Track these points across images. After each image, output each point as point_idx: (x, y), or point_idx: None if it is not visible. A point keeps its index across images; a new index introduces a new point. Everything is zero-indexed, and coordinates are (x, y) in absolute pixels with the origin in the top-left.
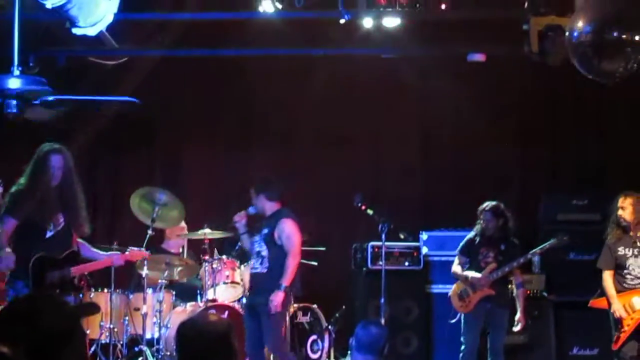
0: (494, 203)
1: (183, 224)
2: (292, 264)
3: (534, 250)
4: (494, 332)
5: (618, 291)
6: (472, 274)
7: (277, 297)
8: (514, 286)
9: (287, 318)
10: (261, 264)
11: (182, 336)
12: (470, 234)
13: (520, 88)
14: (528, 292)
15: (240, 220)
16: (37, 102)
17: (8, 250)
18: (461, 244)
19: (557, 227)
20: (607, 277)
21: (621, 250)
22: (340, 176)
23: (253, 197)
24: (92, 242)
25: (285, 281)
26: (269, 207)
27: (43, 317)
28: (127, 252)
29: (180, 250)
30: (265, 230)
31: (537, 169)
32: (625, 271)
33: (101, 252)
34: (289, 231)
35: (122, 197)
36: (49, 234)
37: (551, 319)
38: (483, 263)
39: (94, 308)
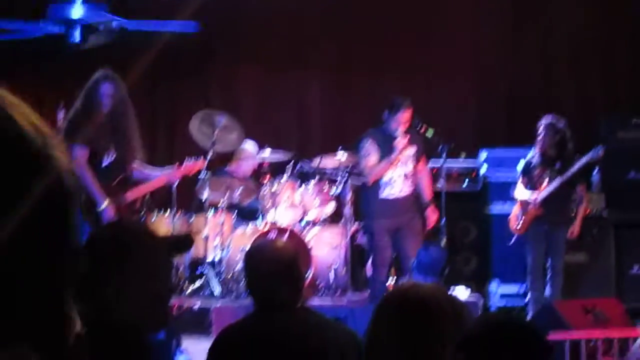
0: (550, 119)
1: (249, 147)
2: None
3: (572, 166)
4: (552, 252)
5: None
6: (526, 195)
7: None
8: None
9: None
10: (410, 184)
11: (250, 263)
12: (529, 154)
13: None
14: (588, 210)
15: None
16: (98, 29)
17: (106, 202)
18: (522, 167)
19: (618, 146)
20: None
21: None
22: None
23: (385, 117)
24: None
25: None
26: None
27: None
28: (181, 167)
29: (246, 174)
30: (413, 149)
31: (596, 87)
32: None
33: (155, 172)
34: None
35: (181, 122)
36: (104, 163)
37: (611, 238)
38: (539, 183)
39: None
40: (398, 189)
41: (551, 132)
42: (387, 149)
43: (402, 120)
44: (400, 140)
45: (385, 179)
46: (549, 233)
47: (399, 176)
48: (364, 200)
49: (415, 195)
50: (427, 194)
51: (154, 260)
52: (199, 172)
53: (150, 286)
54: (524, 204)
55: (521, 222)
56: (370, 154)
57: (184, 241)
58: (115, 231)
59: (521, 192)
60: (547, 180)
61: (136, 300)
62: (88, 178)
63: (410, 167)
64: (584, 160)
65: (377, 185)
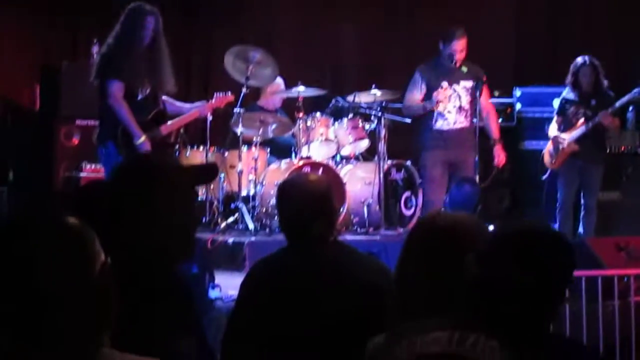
0: (585, 57)
1: (279, 80)
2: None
3: (614, 104)
4: (586, 188)
5: None
6: (561, 132)
7: (502, 153)
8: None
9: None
10: (465, 117)
11: (283, 196)
12: (564, 92)
13: None
14: (623, 148)
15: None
16: None
17: (143, 137)
18: (557, 105)
19: None
20: None
21: None
22: (434, 31)
23: (440, 48)
24: (185, 102)
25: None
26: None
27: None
28: (212, 100)
29: (276, 108)
30: (469, 82)
31: (635, 23)
32: None
33: (186, 105)
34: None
35: (215, 57)
36: (139, 97)
37: None
38: (574, 120)
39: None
40: (452, 120)
41: (587, 70)
42: (440, 80)
43: (457, 49)
44: (440, 92)
45: (438, 109)
46: (583, 170)
47: (453, 107)
48: (417, 132)
49: (473, 131)
50: (493, 130)
51: (179, 191)
52: (231, 106)
53: (176, 217)
54: (558, 141)
55: (555, 158)
56: (413, 90)
57: (209, 171)
58: (141, 163)
59: (555, 130)
60: (582, 118)
61: (162, 231)
62: (125, 112)
63: (466, 100)
64: (624, 100)
65: (430, 116)
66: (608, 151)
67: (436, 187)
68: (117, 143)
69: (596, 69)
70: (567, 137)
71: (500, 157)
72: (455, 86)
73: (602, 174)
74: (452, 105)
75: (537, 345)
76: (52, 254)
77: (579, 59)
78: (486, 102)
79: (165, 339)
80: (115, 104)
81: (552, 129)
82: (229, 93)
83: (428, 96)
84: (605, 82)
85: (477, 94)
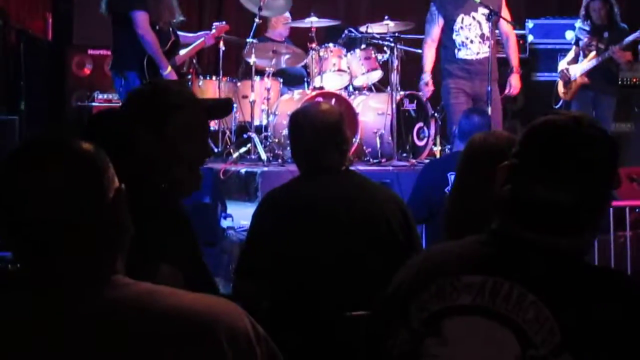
0: None
1: (287, 13)
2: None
3: (624, 39)
4: (598, 119)
5: None
6: (567, 65)
7: (517, 81)
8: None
9: None
10: (489, 46)
11: (295, 126)
12: (577, 23)
13: None
14: (635, 79)
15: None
16: None
17: (169, 69)
18: (573, 37)
19: None
20: None
21: None
22: None
23: None
24: (199, 31)
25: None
26: None
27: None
28: (212, 30)
29: (283, 38)
30: (486, 10)
31: None
32: None
33: (189, 35)
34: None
35: None
36: (157, 27)
37: None
38: (587, 51)
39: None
40: (475, 50)
41: (597, 4)
42: (455, 8)
43: None
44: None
45: (460, 39)
46: (595, 101)
47: (475, 36)
48: (442, 59)
49: (498, 60)
50: (511, 57)
51: (191, 121)
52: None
53: (186, 147)
54: (564, 74)
55: (567, 90)
56: (432, 24)
57: (223, 105)
58: (157, 89)
59: (564, 62)
60: (594, 50)
61: (171, 161)
62: (155, 43)
63: (487, 27)
64: (631, 37)
65: (453, 44)
66: (621, 83)
67: (458, 113)
68: (141, 74)
69: (608, 2)
70: (578, 69)
71: (513, 86)
72: (474, 14)
73: (614, 105)
74: (474, 34)
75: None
76: (64, 179)
77: None
78: (506, 27)
79: (148, 263)
80: (146, 34)
81: (562, 62)
82: (224, 23)
83: (447, 28)
84: (618, 15)
85: (490, 25)
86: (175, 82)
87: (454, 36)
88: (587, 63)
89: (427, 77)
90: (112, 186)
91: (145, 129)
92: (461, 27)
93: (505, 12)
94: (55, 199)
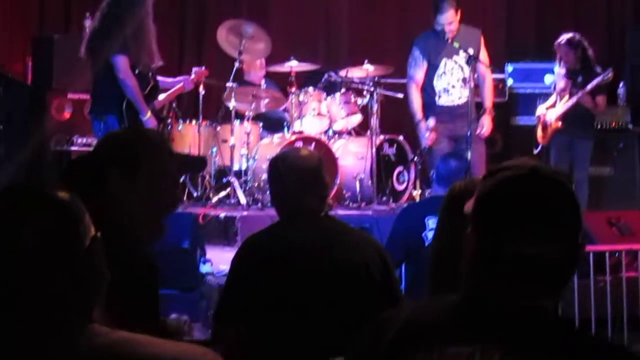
0: (569, 35)
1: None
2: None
3: (592, 82)
4: (576, 163)
5: None
6: (545, 110)
7: (487, 121)
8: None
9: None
10: (470, 90)
11: (275, 171)
12: (555, 67)
13: None
14: (614, 123)
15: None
16: None
17: (149, 114)
18: (551, 82)
19: None
20: None
21: None
22: (427, 6)
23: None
24: (179, 76)
25: (489, 103)
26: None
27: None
28: (192, 75)
29: (262, 82)
30: (470, 50)
31: (624, 0)
32: None
33: (169, 79)
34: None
35: (209, 31)
36: (137, 71)
37: (636, 150)
38: (562, 96)
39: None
40: (457, 96)
41: (571, 47)
42: (437, 52)
43: (444, 22)
44: (431, 136)
45: (441, 86)
46: (571, 145)
47: (457, 80)
48: (425, 105)
49: (475, 104)
50: (485, 98)
51: (163, 171)
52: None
53: (156, 196)
54: (541, 119)
55: (543, 134)
56: (416, 67)
57: (196, 162)
58: (132, 135)
59: (543, 107)
60: (568, 94)
61: (140, 208)
62: (134, 88)
63: (467, 70)
64: (594, 82)
65: (433, 90)
66: (600, 127)
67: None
68: (120, 118)
69: (579, 45)
70: (553, 114)
71: (485, 127)
72: (455, 57)
73: (591, 148)
74: (456, 79)
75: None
76: (40, 227)
77: (562, 37)
78: (483, 68)
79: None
80: (127, 79)
81: (541, 106)
82: (203, 68)
83: (430, 73)
84: (591, 58)
85: (470, 69)
86: (151, 130)
87: (435, 82)
88: (561, 107)
89: (431, 122)
90: (88, 235)
91: (118, 174)
92: (444, 72)
93: (483, 53)
94: (29, 247)
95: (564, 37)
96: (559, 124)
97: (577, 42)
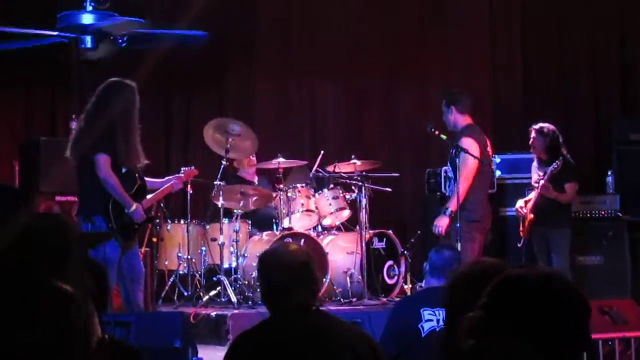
0: (540, 124)
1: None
2: (461, 187)
3: (547, 171)
4: (554, 253)
5: None
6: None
7: (441, 222)
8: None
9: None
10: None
11: (264, 267)
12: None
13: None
14: (603, 212)
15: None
16: (110, 35)
17: (135, 206)
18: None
19: (630, 148)
20: None
21: None
22: (412, 101)
23: (444, 111)
24: (166, 176)
25: (452, 206)
26: (461, 120)
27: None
28: (181, 174)
29: (255, 179)
30: (453, 151)
31: (610, 91)
32: None
33: (157, 180)
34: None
35: (195, 130)
36: (124, 170)
37: (626, 239)
38: (535, 188)
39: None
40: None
41: (541, 137)
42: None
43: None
44: None
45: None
46: (547, 236)
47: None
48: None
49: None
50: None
51: (83, 255)
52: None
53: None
54: (520, 211)
55: (524, 227)
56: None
57: (102, 237)
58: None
59: (520, 201)
60: (537, 183)
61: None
62: (117, 184)
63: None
64: (548, 171)
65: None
66: (589, 215)
67: None
68: (107, 217)
69: (549, 136)
70: (528, 207)
71: (438, 227)
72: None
73: (569, 236)
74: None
75: None
76: None
77: (533, 127)
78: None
79: None
80: (108, 177)
81: (519, 201)
82: (193, 167)
83: None
84: (562, 148)
85: (457, 161)
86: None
87: None
88: (531, 199)
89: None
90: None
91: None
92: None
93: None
94: None
95: (539, 125)
96: (531, 216)
97: (548, 132)
